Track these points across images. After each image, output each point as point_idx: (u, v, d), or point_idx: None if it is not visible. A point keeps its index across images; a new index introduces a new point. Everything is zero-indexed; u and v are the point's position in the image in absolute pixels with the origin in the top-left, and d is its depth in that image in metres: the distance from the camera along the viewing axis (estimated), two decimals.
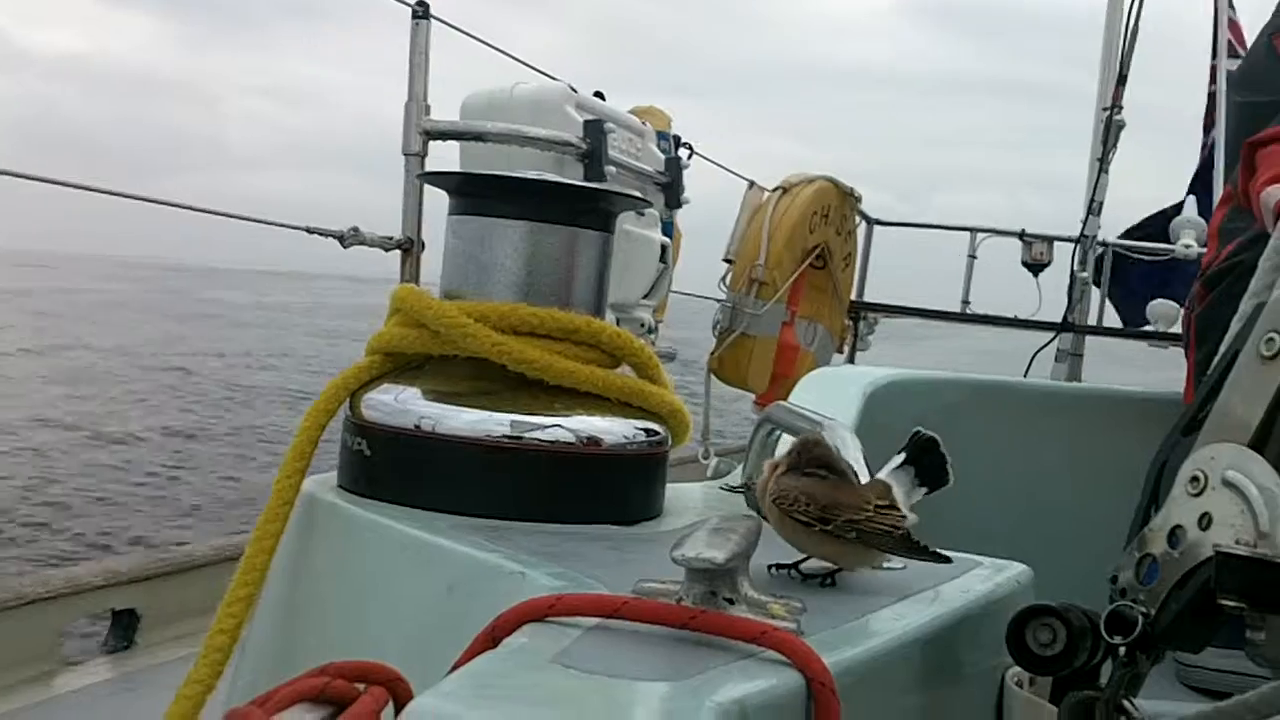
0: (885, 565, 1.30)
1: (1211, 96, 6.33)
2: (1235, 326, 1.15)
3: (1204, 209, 5.85)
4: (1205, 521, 1.03)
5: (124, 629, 3.75)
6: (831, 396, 2.17)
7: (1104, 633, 1.06)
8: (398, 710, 0.86)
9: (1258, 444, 1.03)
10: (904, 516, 1.24)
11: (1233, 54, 6.22)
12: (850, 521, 1.19)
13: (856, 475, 1.30)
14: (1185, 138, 6.38)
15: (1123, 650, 1.05)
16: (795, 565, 1.25)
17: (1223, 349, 1.13)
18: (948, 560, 1.25)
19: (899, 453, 1.33)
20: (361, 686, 0.87)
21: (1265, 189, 1.99)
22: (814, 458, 1.25)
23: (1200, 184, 6.14)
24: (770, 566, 1.25)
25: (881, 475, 1.30)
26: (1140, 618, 1.04)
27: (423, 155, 3.44)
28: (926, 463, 1.31)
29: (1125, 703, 1.04)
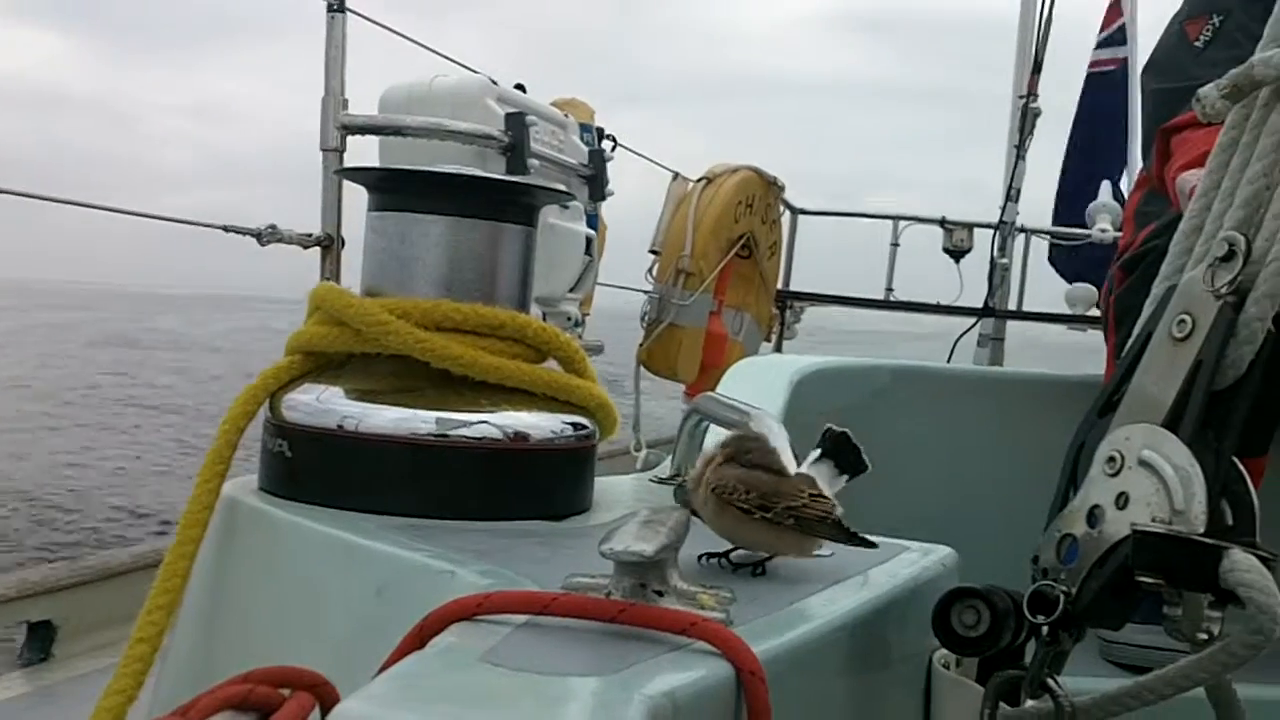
0: (815, 553, 1.31)
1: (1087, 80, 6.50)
2: (1148, 309, 1.16)
3: (1117, 193, 5.98)
4: (1122, 501, 1.05)
5: (41, 641, 3.66)
6: (759, 386, 2.18)
7: (1027, 612, 1.07)
8: (324, 715, 0.85)
9: (1171, 424, 1.05)
10: (834, 505, 1.26)
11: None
12: (788, 509, 1.21)
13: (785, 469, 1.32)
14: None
15: (1045, 629, 1.07)
16: (726, 554, 1.26)
17: (1136, 331, 1.15)
18: (874, 545, 1.27)
19: (815, 448, 1.35)
20: (287, 692, 0.85)
21: (1180, 174, 2.02)
22: (752, 453, 1.27)
23: (1114, 168, 6.26)
24: (700, 556, 1.25)
25: (803, 469, 1.32)
26: (1061, 597, 1.06)
27: (341, 150, 3.41)
28: (842, 454, 1.34)
29: (1049, 680, 1.06)
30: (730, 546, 1.27)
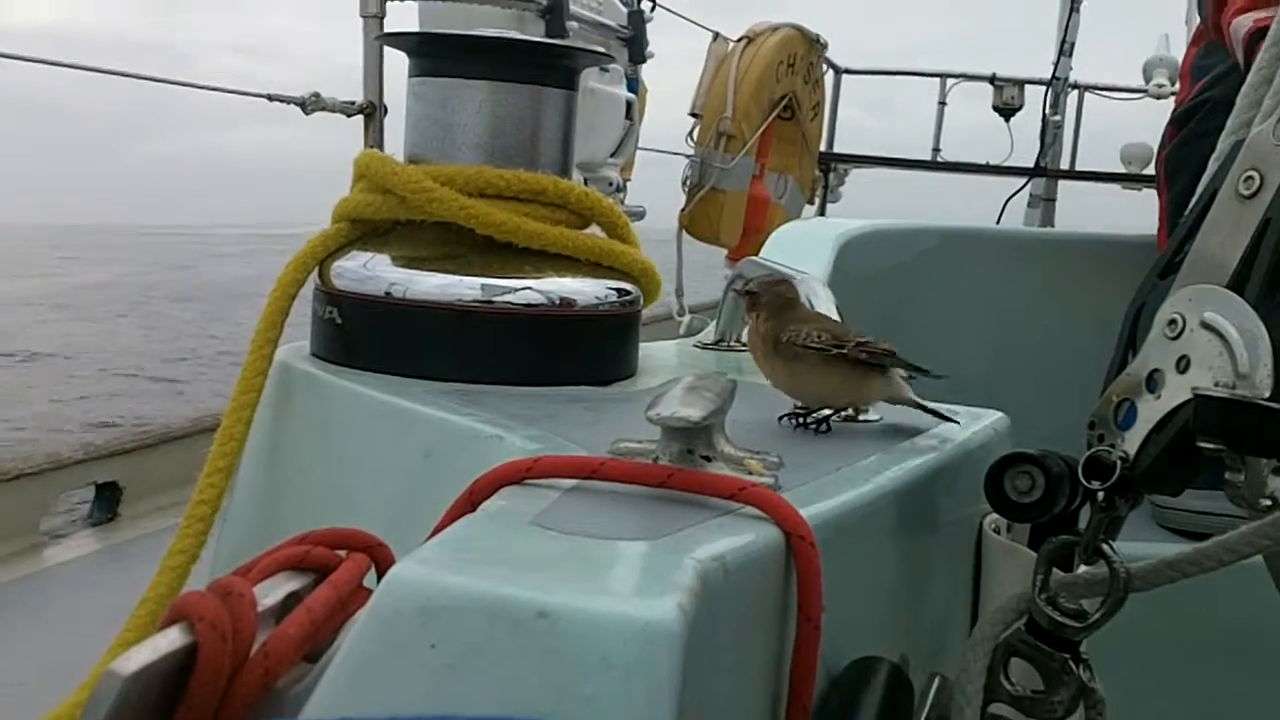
0: (861, 418, 1.31)
1: None
2: (1213, 166, 1.12)
3: None
4: (1183, 364, 1.02)
5: (107, 502, 3.79)
6: (804, 250, 2.16)
7: (1082, 478, 1.06)
8: (379, 576, 0.86)
9: (1236, 285, 1.01)
10: (888, 341, 1.27)
11: None
12: (859, 344, 1.24)
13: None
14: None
15: (1101, 495, 1.05)
16: (804, 414, 1.27)
17: (1200, 188, 1.11)
18: (942, 376, 1.27)
19: None
20: (343, 553, 0.86)
21: (1235, 18, 1.95)
22: (781, 295, 1.29)
23: None
24: (781, 418, 1.27)
25: None
26: (1118, 462, 1.04)
27: (381, 16, 3.37)
28: None
29: (1104, 545, 1.05)
30: (795, 405, 1.28)
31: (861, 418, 1.31)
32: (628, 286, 1.51)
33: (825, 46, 6.16)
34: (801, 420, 1.27)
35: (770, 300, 1.29)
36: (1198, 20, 2.61)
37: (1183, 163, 2.33)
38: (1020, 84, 6.80)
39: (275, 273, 1.48)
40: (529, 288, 1.41)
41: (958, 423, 1.29)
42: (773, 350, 1.26)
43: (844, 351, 1.23)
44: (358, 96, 3.46)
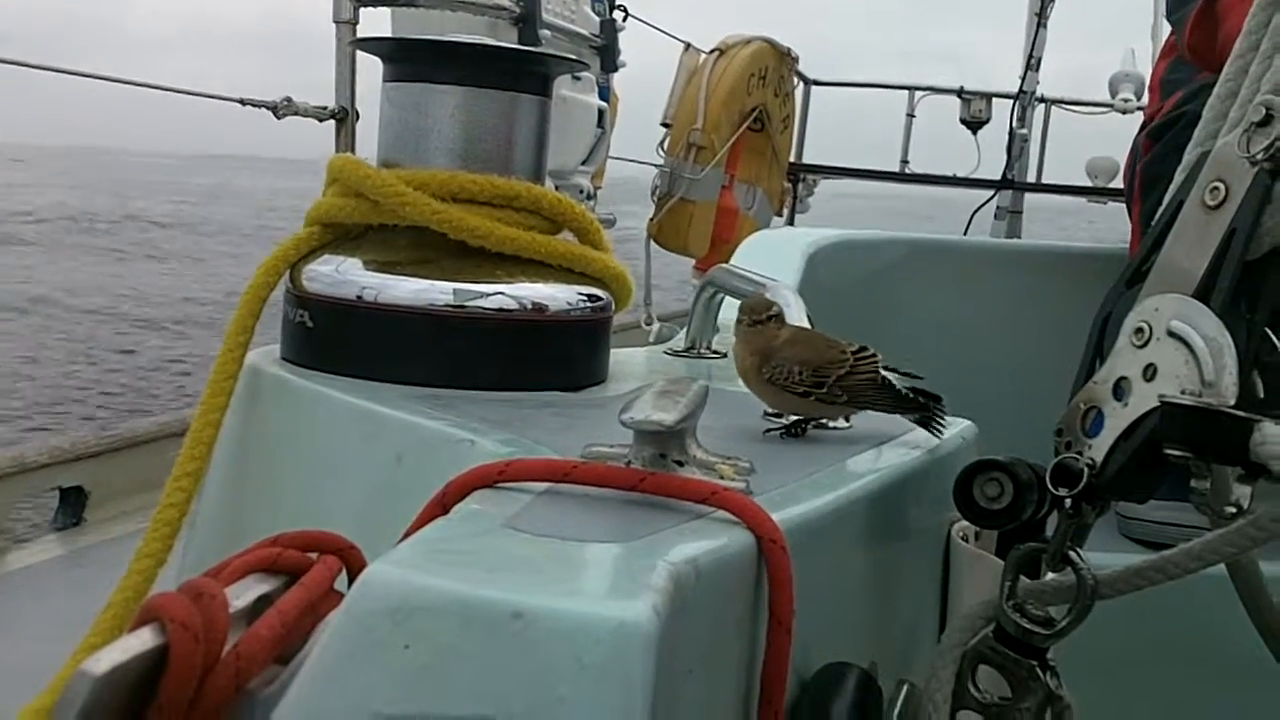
0: (832, 425, 1.32)
1: None
2: (1179, 177, 1.13)
3: None
4: (1150, 372, 1.03)
5: (72, 506, 3.76)
6: (773, 258, 2.17)
7: (1050, 485, 1.06)
8: (351, 579, 0.85)
9: (1202, 294, 1.03)
10: (876, 360, 1.28)
11: None
12: (839, 381, 1.25)
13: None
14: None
15: (1068, 502, 1.06)
16: (781, 419, 1.30)
17: (1166, 199, 1.12)
18: (935, 399, 1.28)
19: None
20: (314, 556, 0.86)
21: None
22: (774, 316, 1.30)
23: None
24: (766, 432, 1.29)
25: None
26: (1085, 469, 1.05)
27: (354, 22, 3.37)
28: None
29: (1071, 553, 1.06)
30: (765, 411, 1.31)
31: (832, 425, 1.32)
32: (599, 292, 1.51)
33: (796, 60, 6.19)
34: (781, 429, 1.29)
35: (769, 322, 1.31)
36: (1166, 33, 2.63)
37: (1158, 175, 2.35)
38: (988, 97, 6.86)
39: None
40: (501, 292, 1.41)
41: (939, 434, 1.30)
42: (756, 371, 1.28)
43: (821, 394, 1.25)
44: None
